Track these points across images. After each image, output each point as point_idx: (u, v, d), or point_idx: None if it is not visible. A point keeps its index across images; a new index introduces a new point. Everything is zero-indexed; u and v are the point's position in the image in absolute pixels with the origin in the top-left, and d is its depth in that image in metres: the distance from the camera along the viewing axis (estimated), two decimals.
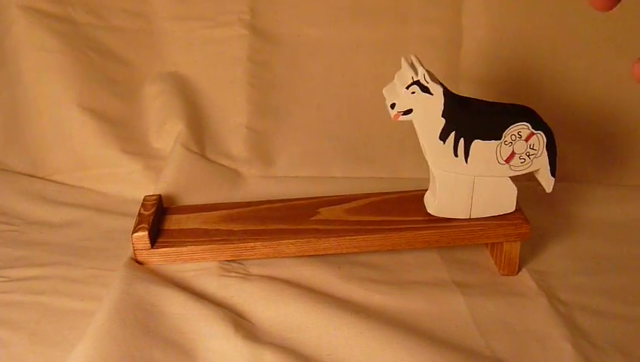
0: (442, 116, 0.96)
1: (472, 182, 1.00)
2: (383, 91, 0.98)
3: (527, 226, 1.01)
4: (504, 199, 1.02)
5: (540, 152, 0.99)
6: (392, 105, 0.95)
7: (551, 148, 1.00)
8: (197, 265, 1.02)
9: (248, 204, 1.10)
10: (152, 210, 1.05)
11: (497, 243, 1.03)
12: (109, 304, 0.90)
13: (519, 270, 1.04)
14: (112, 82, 1.25)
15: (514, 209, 1.03)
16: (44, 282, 1.01)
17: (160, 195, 1.11)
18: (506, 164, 0.99)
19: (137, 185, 1.20)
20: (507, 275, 1.03)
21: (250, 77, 1.25)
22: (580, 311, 0.96)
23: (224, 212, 1.08)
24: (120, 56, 1.26)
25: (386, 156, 1.27)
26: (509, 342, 0.91)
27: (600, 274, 1.04)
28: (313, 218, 1.05)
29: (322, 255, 1.03)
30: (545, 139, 0.98)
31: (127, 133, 1.25)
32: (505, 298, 0.99)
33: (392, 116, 0.95)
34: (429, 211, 1.04)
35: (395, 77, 0.97)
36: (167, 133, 1.23)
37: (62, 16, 1.22)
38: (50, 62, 1.22)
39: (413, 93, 0.94)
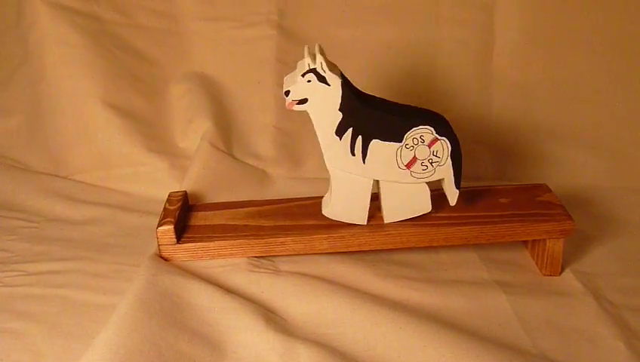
0: (339, 110, 0.91)
1: (369, 186, 0.95)
2: (285, 79, 0.93)
3: (571, 222, 0.96)
4: (417, 200, 0.96)
5: (443, 161, 0.93)
6: (287, 93, 0.90)
7: (456, 157, 0.93)
8: (224, 262, 0.97)
9: (278, 201, 1.06)
10: (178, 205, 1.01)
11: (538, 242, 0.99)
12: (133, 293, 0.86)
13: (562, 270, 0.99)
14: (138, 80, 1.23)
15: (430, 209, 0.97)
16: (64, 276, 0.98)
17: (186, 191, 1.07)
18: (407, 170, 0.94)
19: (162, 185, 1.17)
20: (550, 275, 0.98)
21: (278, 77, 1.22)
22: (630, 311, 0.92)
23: (253, 209, 1.04)
24: (146, 54, 1.24)
25: None
26: (558, 341, 0.86)
27: None
28: None
29: (355, 252, 0.99)
30: (450, 147, 0.93)
31: (152, 132, 1.22)
32: (550, 298, 0.94)
33: (287, 104, 0.91)
34: (323, 213, 0.98)
35: (297, 65, 0.92)
36: (193, 133, 1.21)
37: (87, 12, 1.21)
38: (74, 57, 1.20)
39: (309, 81, 0.89)
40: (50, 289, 0.95)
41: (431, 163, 0.93)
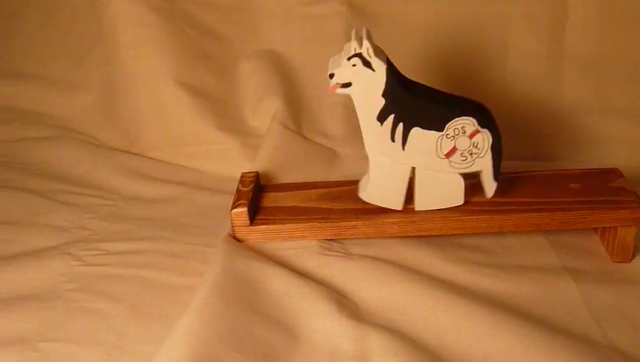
0: (382, 96, 0.90)
1: (407, 173, 0.94)
2: (329, 61, 0.92)
3: None
4: (450, 191, 0.96)
5: (483, 152, 0.93)
6: (331, 76, 0.90)
7: (496, 149, 0.93)
8: (296, 244, 0.99)
9: (348, 182, 1.06)
10: (251, 186, 1.03)
11: (609, 228, 0.98)
12: (211, 279, 0.89)
13: (633, 257, 0.98)
14: (209, 58, 1.24)
15: (462, 202, 0.97)
16: (143, 256, 1.01)
17: (257, 172, 1.09)
18: (446, 159, 0.93)
19: (233, 163, 1.19)
20: (620, 262, 0.98)
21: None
22: None
23: (323, 190, 1.05)
24: (216, 32, 1.25)
25: None
26: (627, 331, 0.86)
27: None
28: None
29: (425, 236, 1.00)
30: (491, 139, 0.92)
31: (223, 110, 1.23)
32: (620, 286, 0.93)
33: (330, 87, 0.90)
34: (359, 196, 0.98)
35: (344, 47, 0.92)
36: (263, 111, 1.21)
37: None
38: (147, 37, 1.21)
39: (354, 65, 0.89)
40: (130, 269, 0.98)
41: (470, 154, 0.93)
